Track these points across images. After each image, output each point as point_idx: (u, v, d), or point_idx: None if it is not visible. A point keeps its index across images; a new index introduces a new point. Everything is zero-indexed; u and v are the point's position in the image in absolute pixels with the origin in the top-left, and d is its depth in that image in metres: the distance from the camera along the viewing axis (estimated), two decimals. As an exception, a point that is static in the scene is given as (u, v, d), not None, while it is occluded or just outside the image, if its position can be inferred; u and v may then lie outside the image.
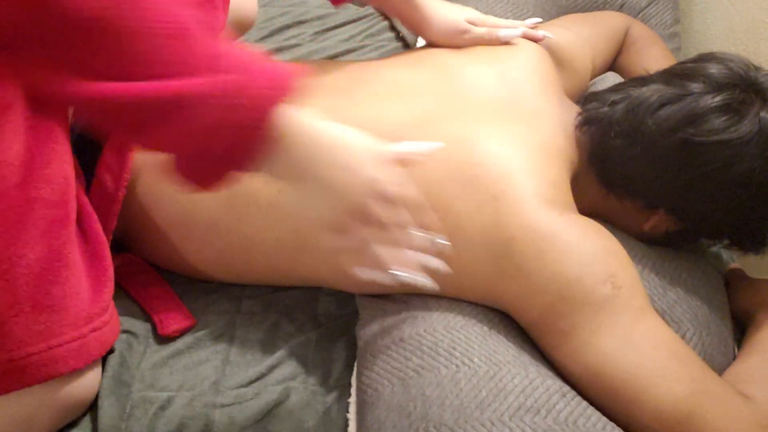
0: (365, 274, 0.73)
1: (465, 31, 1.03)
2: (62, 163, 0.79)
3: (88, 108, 0.62)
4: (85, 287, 0.83)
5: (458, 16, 1.04)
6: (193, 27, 0.61)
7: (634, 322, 0.78)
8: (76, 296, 0.81)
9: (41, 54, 0.58)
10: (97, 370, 0.86)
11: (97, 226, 0.87)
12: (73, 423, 0.85)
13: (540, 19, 1.08)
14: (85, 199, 0.87)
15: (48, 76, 0.59)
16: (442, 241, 0.76)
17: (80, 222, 0.85)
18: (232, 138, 0.63)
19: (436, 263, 0.75)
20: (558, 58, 1.03)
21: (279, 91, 0.64)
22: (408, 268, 0.74)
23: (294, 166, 0.68)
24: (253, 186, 0.88)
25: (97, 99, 0.59)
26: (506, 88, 0.93)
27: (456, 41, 1.03)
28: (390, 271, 0.73)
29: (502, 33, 1.02)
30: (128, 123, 0.62)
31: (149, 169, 0.92)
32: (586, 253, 0.79)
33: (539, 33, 1.05)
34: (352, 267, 0.74)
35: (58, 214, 0.79)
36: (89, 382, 0.84)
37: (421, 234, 0.74)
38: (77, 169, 0.88)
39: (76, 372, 0.82)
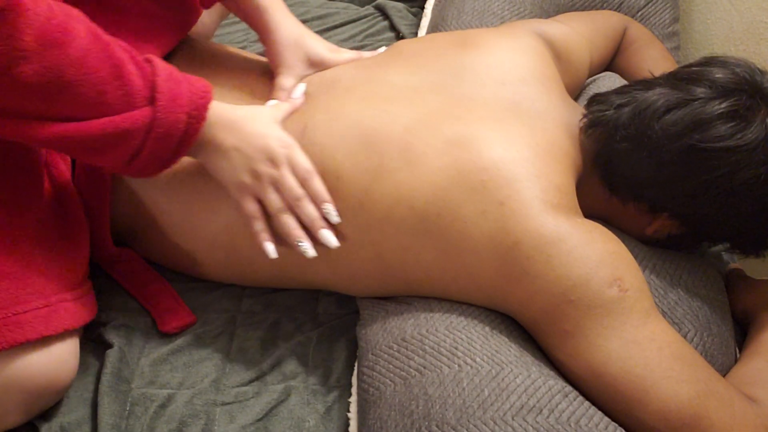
0: (271, 250, 0.87)
1: (291, 68, 0.98)
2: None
3: (47, 144, 0.74)
4: (54, 262, 0.83)
5: (302, 49, 0.99)
6: (128, 65, 0.74)
7: (640, 325, 0.78)
8: (40, 267, 0.82)
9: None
10: (73, 351, 0.85)
11: (77, 208, 0.88)
12: (72, 419, 0.85)
13: (383, 49, 1.06)
14: (68, 179, 0.89)
15: (13, 123, 0.71)
16: (331, 212, 0.85)
17: (60, 200, 0.86)
18: (167, 153, 0.79)
19: (327, 236, 0.85)
20: (556, 52, 1.02)
21: (202, 112, 0.80)
22: (298, 235, 0.86)
23: (209, 151, 0.84)
24: None
25: (54, 138, 0.72)
26: (509, 88, 0.92)
27: (274, 68, 0.99)
28: (296, 242, 0.86)
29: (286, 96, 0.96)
30: (81, 152, 0.76)
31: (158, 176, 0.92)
32: (593, 256, 0.79)
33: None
34: (261, 237, 0.87)
35: (17, 187, 0.82)
36: (62, 361, 0.83)
37: (310, 204, 0.85)
38: (62, 155, 0.89)
39: (48, 346, 0.82)
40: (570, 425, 0.71)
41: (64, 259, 0.85)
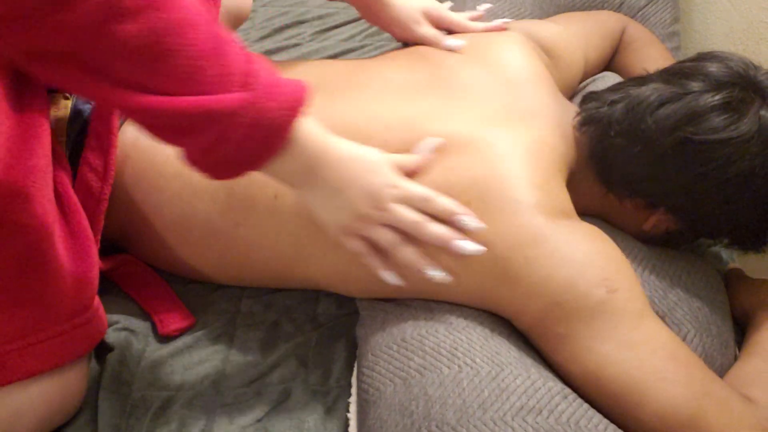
0: (391, 278, 0.81)
1: (417, 22, 1.02)
2: (43, 157, 0.80)
3: (132, 115, 0.69)
4: (68, 283, 0.81)
5: (416, 4, 1.03)
6: (228, 46, 0.68)
7: (633, 326, 0.77)
8: (58, 292, 0.80)
9: (97, 70, 0.65)
10: (83, 373, 0.85)
11: (85, 223, 0.85)
12: (73, 422, 0.85)
13: (509, 20, 1.07)
14: (74, 196, 0.86)
15: (109, 88, 0.66)
16: (470, 221, 0.79)
17: (67, 217, 0.84)
18: (252, 147, 0.70)
19: (467, 245, 0.79)
20: (546, 50, 1.02)
21: (296, 107, 0.71)
22: (423, 264, 0.80)
23: (300, 172, 0.76)
24: (250, 190, 0.87)
25: (140, 109, 0.66)
26: (502, 88, 0.92)
27: (406, 34, 1.03)
28: (423, 269, 0.80)
29: (448, 42, 1.00)
30: (166, 130, 0.70)
31: (147, 173, 0.92)
32: (577, 257, 0.78)
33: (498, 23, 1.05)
34: (378, 270, 0.81)
35: (37, 209, 0.78)
36: (74, 385, 0.83)
37: (433, 223, 0.80)
38: (65, 167, 0.87)
39: (61, 371, 0.81)
40: (570, 426, 0.71)
41: (78, 279, 0.83)
